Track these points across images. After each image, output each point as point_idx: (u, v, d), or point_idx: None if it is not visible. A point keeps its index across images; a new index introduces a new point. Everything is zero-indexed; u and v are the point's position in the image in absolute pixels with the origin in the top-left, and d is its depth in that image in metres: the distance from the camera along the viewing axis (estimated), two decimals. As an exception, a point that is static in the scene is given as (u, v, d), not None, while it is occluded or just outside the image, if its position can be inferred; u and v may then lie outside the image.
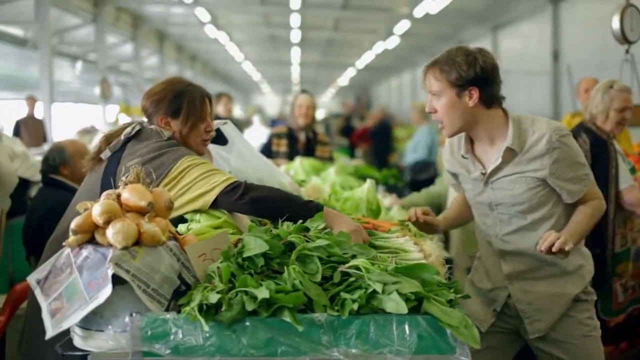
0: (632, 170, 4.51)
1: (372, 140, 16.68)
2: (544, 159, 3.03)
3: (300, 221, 2.84)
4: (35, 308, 2.59)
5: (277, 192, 3.11)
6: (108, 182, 3.02)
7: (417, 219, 3.36)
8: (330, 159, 7.08)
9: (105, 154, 3.19)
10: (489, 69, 3.02)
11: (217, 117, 8.02)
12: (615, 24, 5.75)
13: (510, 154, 3.09)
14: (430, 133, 11.23)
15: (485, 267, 3.43)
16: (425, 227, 3.41)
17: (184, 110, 3.23)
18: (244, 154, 4.03)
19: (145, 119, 3.34)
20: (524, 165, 3.08)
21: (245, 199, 2.96)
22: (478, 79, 3.00)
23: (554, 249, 2.89)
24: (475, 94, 3.02)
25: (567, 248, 2.88)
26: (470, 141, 3.24)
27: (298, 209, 2.99)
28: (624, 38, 5.81)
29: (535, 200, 3.11)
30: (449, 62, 3.02)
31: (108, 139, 3.24)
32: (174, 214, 2.84)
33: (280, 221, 2.87)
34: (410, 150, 11.31)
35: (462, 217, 3.58)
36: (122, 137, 3.20)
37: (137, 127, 3.23)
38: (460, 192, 3.52)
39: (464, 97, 3.03)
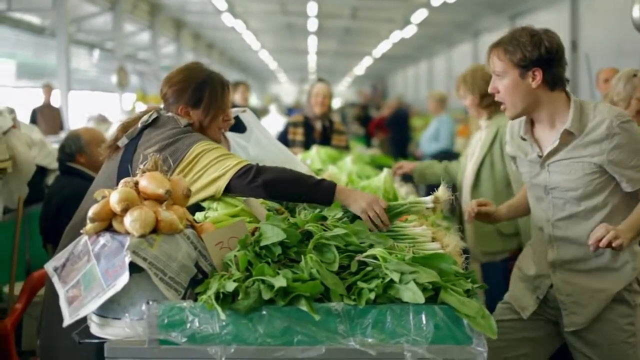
0: None
1: (389, 130, 16.63)
2: (603, 144, 2.97)
3: (318, 209, 2.83)
4: (53, 295, 2.60)
5: (290, 173, 3.06)
6: (125, 169, 3.03)
7: (475, 212, 3.38)
8: (346, 148, 7.06)
9: (122, 142, 3.19)
10: (554, 50, 2.99)
11: (234, 106, 8.00)
12: (636, 12, 5.70)
13: (568, 137, 3.05)
14: (449, 122, 11.15)
15: (533, 254, 3.38)
16: (485, 218, 3.42)
17: (206, 102, 3.23)
18: (262, 142, 4.03)
19: (161, 105, 3.35)
20: (581, 149, 3.03)
21: (258, 182, 2.94)
22: (542, 60, 2.98)
23: (601, 245, 2.82)
24: (539, 75, 2.99)
25: (615, 244, 2.81)
26: (531, 123, 3.21)
27: (311, 188, 2.99)
28: (644, 27, 5.75)
29: (591, 188, 3.05)
30: (513, 42, 3.00)
31: (125, 126, 3.24)
32: (190, 201, 2.84)
33: (295, 202, 2.87)
34: (428, 140, 11.21)
35: (527, 205, 3.47)
36: (139, 124, 3.20)
37: (154, 115, 3.22)
38: (519, 176, 3.48)
39: (527, 78, 3.01)
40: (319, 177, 3.12)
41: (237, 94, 9.96)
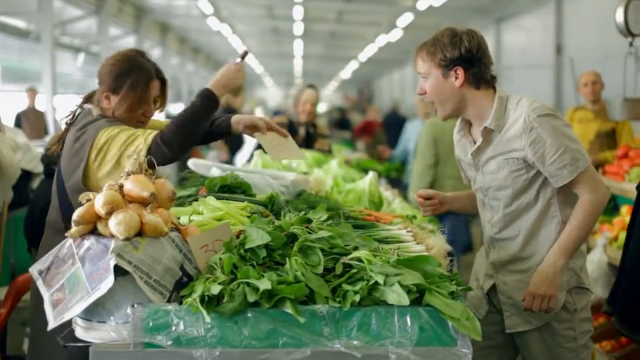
0: None
1: (385, 132, 16.49)
2: (522, 139, 2.98)
3: (302, 212, 2.84)
4: (39, 297, 2.60)
5: (180, 119, 3.09)
6: (59, 171, 3.17)
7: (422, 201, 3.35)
8: (329, 152, 7.05)
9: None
10: (474, 49, 3.01)
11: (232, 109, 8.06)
12: (619, 16, 5.70)
13: (490, 134, 3.08)
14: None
15: (482, 255, 3.40)
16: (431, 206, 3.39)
17: (125, 91, 3.20)
18: None
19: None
20: (504, 145, 3.05)
21: (168, 152, 2.97)
22: (463, 59, 3.01)
23: (534, 309, 3.03)
24: (461, 74, 3.02)
25: (550, 306, 3.01)
26: (469, 123, 3.23)
27: (200, 110, 3.09)
28: (627, 31, 5.75)
29: (520, 185, 3.06)
30: (435, 43, 3.05)
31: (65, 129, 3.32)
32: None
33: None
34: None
35: (474, 201, 3.42)
36: (65, 124, 3.28)
37: (77, 111, 3.28)
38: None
39: (450, 77, 3.04)
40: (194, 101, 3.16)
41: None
